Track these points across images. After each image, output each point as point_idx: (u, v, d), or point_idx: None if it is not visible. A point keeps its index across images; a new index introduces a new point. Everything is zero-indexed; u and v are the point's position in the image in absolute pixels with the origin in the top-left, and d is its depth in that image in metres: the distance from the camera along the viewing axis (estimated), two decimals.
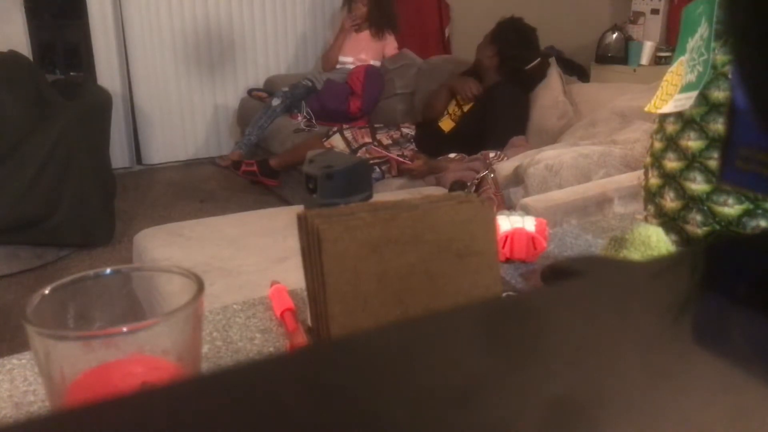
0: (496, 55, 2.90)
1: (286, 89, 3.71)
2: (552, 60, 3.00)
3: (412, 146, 3.03)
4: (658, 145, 0.71)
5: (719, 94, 0.65)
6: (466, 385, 0.17)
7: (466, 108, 2.94)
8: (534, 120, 2.84)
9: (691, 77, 0.67)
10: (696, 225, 0.66)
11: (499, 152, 2.51)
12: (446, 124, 2.99)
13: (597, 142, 2.12)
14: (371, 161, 2.80)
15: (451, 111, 3.01)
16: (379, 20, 3.74)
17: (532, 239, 0.74)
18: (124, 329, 0.37)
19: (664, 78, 0.73)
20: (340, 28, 3.88)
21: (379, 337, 0.20)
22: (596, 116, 2.42)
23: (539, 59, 2.93)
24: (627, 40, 3.70)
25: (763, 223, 0.64)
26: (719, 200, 0.65)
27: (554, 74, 2.90)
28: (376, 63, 3.75)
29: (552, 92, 2.83)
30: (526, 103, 2.92)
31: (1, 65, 2.70)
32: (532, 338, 0.20)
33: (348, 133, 3.20)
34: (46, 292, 0.40)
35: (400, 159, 2.71)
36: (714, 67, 0.64)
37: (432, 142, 2.87)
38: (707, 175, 0.66)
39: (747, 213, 0.64)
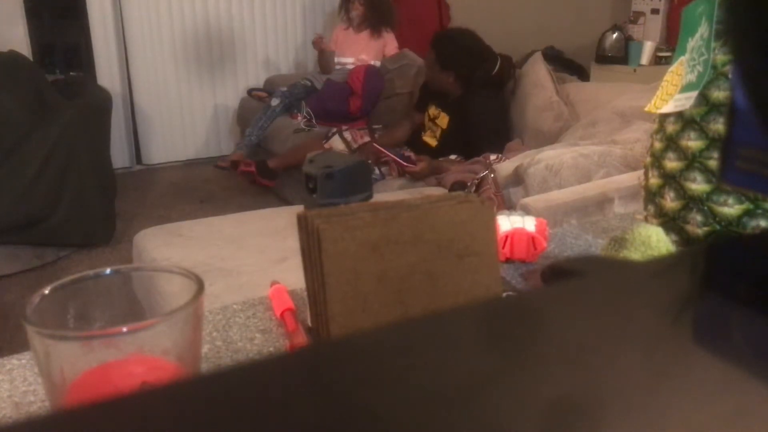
0: (457, 80, 2.77)
1: (284, 89, 3.70)
2: (539, 57, 2.92)
3: (409, 150, 2.99)
4: (658, 145, 0.71)
5: (719, 94, 0.65)
6: (466, 385, 0.17)
7: (442, 124, 2.84)
8: (529, 122, 2.79)
9: (692, 77, 0.67)
10: (696, 225, 0.66)
11: (500, 155, 2.50)
12: (429, 139, 2.91)
13: (597, 142, 2.12)
14: (370, 161, 2.78)
15: (429, 127, 2.92)
16: (377, 20, 3.73)
17: (532, 239, 0.74)
18: (124, 329, 0.37)
19: (664, 78, 0.73)
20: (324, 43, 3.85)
21: (379, 337, 0.20)
22: (596, 116, 2.42)
23: (499, 60, 2.83)
24: (627, 40, 3.71)
25: (763, 223, 0.63)
26: (719, 200, 0.65)
27: (544, 72, 2.82)
28: (376, 63, 3.75)
29: (545, 92, 2.77)
30: (501, 107, 2.85)
31: (1, 65, 2.70)
32: (532, 338, 0.20)
33: (347, 135, 3.20)
34: (46, 292, 0.40)
35: (403, 163, 2.68)
36: (714, 67, 0.64)
37: (423, 154, 2.81)
38: (707, 175, 0.66)
39: (747, 213, 0.64)
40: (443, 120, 2.84)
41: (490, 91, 2.84)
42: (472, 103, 2.75)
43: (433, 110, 2.89)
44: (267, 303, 0.67)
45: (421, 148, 2.88)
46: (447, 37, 2.86)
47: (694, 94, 0.65)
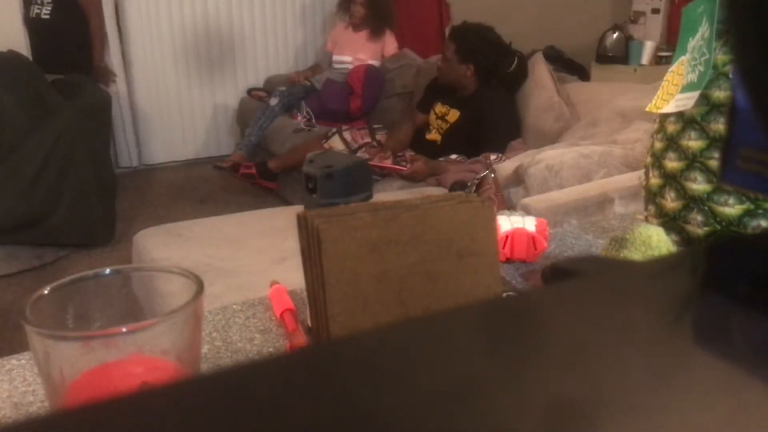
0: (475, 73, 2.75)
1: (283, 88, 3.71)
2: (540, 57, 2.91)
3: (410, 150, 2.98)
4: (658, 145, 0.71)
5: (720, 94, 0.65)
6: (466, 385, 0.17)
7: (451, 119, 2.82)
8: (530, 122, 2.78)
9: (693, 77, 0.67)
10: (697, 225, 0.66)
11: (500, 155, 2.50)
12: (434, 136, 2.89)
13: (597, 142, 2.12)
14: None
15: (435, 125, 2.90)
16: (377, 21, 3.73)
17: (532, 239, 0.74)
18: (124, 329, 0.37)
19: (665, 78, 0.73)
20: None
21: (379, 337, 0.20)
22: (597, 116, 2.42)
23: (516, 58, 2.82)
24: (627, 39, 3.71)
25: (763, 223, 0.63)
26: (720, 200, 0.65)
27: (545, 72, 2.81)
28: (375, 63, 3.75)
29: (546, 92, 2.77)
30: (514, 104, 2.85)
31: (1, 65, 2.70)
32: (532, 338, 0.20)
33: (347, 135, 3.20)
34: (46, 292, 0.40)
35: (398, 168, 2.67)
36: (715, 66, 0.64)
37: (426, 153, 2.81)
38: (708, 175, 0.65)
39: (748, 213, 0.64)
40: (453, 116, 2.82)
41: (505, 88, 2.84)
42: (487, 99, 2.74)
43: (440, 107, 2.88)
44: (267, 303, 0.66)
45: (424, 146, 2.87)
46: (469, 29, 2.83)
47: (696, 94, 0.65)
